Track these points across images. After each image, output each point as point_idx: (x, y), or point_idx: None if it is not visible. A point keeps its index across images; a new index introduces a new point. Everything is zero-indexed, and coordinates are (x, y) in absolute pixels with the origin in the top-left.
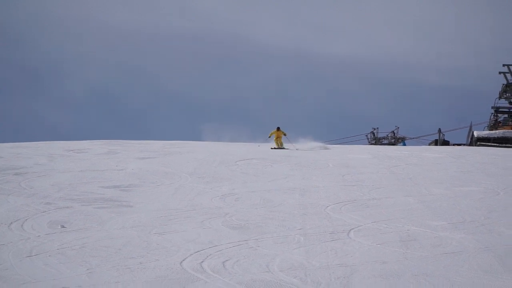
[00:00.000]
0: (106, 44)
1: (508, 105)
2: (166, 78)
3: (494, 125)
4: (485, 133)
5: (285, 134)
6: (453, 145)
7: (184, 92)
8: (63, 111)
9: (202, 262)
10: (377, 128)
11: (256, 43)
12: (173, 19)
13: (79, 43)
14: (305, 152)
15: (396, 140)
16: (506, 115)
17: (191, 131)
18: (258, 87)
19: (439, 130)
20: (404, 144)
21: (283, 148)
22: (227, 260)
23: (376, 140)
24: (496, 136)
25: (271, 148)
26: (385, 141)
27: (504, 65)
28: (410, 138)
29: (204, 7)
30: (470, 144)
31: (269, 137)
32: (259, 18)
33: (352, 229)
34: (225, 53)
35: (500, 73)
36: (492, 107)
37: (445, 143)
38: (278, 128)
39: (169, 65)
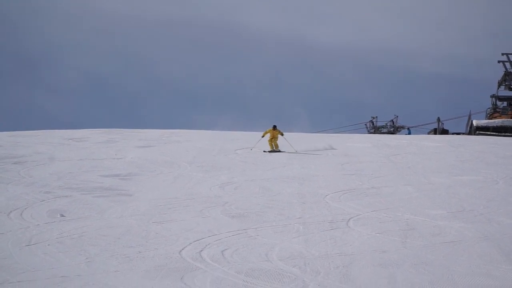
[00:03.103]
0: (101, 31)
1: (507, 94)
2: (161, 65)
3: (493, 114)
4: (484, 122)
5: (282, 134)
6: (452, 134)
7: (179, 79)
8: (58, 99)
9: (201, 251)
10: (376, 117)
11: (251, 31)
12: (168, 5)
13: (74, 30)
14: (304, 141)
15: (395, 129)
16: (505, 104)
17: (185, 118)
18: (253, 74)
19: (438, 119)
20: (410, 133)
21: (279, 151)
22: (226, 249)
23: (375, 129)
24: (495, 125)
25: (264, 152)
26: (384, 130)
27: (503, 54)
28: (409, 127)
29: None
30: (469, 133)
31: (263, 137)
32: (254, 5)
33: (351, 218)
34: (220, 41)
35: (499, 62)
36: (491, 96)
37: (444, 132)
38: (275, 127)
39: (164, 52)
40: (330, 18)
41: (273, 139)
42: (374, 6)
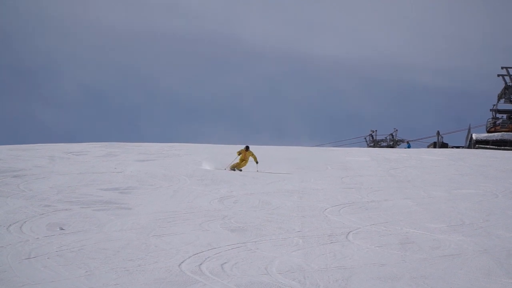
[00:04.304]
0: (99, 44)
1: (507, 107)
2: (159, 78)
3: (492, 128)
4: (484, 135)
5: (256, 161)
6: (452, 147)
7: (177, 92)
8: (57, 112)
9: (201, 264)
10: (376, 130)
11: (249, 43)
12: (166, 19)
13: (73, 43)
14: (303, 154)
15: (394, 142)
16: (504, 117)
17: (184, 131)
18: (251, 87)
19: (438, 133)
20: (409, 147)
21: (237, 170)
22: (225, 263)
23: (375, 143)
24: (494, 138)
25: (224, 169)
26: (384, 144)
27: (502, 68)
28: (408, 141)
29: (197, 7)
30: (469, 147)
31: (239, 154)
32: (251, 18)
33: (351, 231)
34: (217, 53)
35: (498, 75)
36: (491, 110)
37: (444, 145)
38: (247, 148)
39: (162, 65)
40: (329, 31)
41: (243, 161)
42: (373, 18)
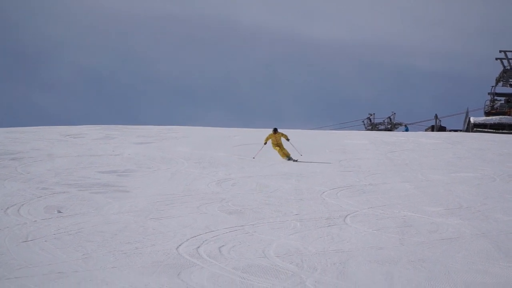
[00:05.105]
0: (97, 27)
1: (505, 91)
2: (156, 61)
3: (490, 111)
4: (482, 119)
5: (287, 139)
6: (450, 131)
7: (174, 75)
8: (54, 95)
9: (198, 247)
10: (374, 113)
11: (246, 27)
12: (163, 2)
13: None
14: (302, 137)
15: (392, 125)
16: (502, 101)
17: (181, 114)
18: (248, 70)
19: (436, 116)
20: (407, 130)
21: (291, 159)
22: (223, 246)
23: (373, 126)
24: (492, 122)
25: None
26: (382, 127)
27: (501, 51)
28: (406, 124)
29: None
30: (467, 130)
31: (265, 143)
32: (249, 1)
33: (349, 214)
34: (214, 37)
35: (497, 59)
36: (489, 93)
37: (442, 129)
38: (275, 130)
39: (159, 49)
40: (326, 14)
41: (278, 145)
42: (371, 2)
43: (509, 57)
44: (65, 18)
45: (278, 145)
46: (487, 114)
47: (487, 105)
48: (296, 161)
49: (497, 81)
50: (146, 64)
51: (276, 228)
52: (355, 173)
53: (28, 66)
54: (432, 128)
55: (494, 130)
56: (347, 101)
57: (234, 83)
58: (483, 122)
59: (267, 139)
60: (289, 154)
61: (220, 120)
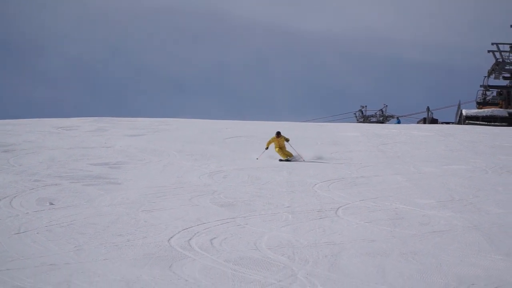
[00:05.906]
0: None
1: (497, 83)
2: (147, 53)
3: (482, 103)
4: (474, 111)
5: (287, 140)
6: (442, 123)
7: (165, 67)
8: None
9: (190, 239)
10: (366, 106)
11: (237, 18)
12: None
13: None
14: (294, 130)
15: (384, 118)
16: (494, 93)
17: (172, 106)
18: (239, 62)
19: (428, 108)
20: (399, 122)
21: (291, 160)
22: (214, 238)
23: (365, 118)
24: (484, 114)
25: (280, 160)
26: (374, 119)
27: (493, 44)
28: (398, 117)
29: None
30: (459, 123)
31: (266, 148)
32: None
33: (340, 207)
34: (206, 28)
35: (489, 51)
36: (481, 86)
37: (434, 121)
38: (278, 134)
39: (150, 40)
40: (318, 6)
41: (280, 148)
42: None
43: (502, 49)
44: (57, 10)
45: (280, 148)
46: (479, 105)
47: (479, 97)
48: (294, 160)
49: (489, 73)
50: (138, 56)
51: (267, 221)
52: (346, 165)
53: (20, 58)
54: (424, 121)
55: (486, 123)
56: (339, 93)
57: (226, 75)
58: (475, 114)
59: (269, 143)
60: (291, 155)
61: (212, 112)
